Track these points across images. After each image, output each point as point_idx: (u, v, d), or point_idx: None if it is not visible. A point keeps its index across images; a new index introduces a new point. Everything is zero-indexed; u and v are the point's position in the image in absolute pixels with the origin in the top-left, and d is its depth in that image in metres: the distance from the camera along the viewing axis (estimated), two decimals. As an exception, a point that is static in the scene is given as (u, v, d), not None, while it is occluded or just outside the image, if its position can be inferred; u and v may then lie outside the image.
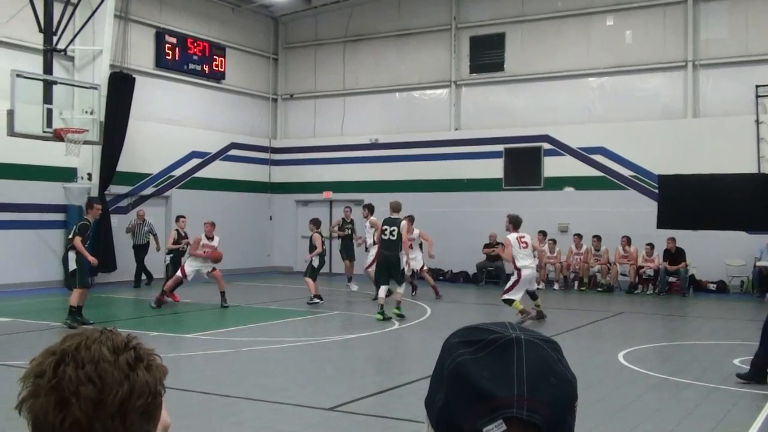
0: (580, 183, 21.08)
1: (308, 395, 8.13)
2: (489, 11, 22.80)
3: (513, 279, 13.67)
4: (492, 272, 21.13)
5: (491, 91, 22.93)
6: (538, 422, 1.08)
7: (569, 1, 21.64)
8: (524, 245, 13.64)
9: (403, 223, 14.36)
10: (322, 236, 16.46)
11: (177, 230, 16.52)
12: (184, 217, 16.70)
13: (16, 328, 12.68)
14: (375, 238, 16.23)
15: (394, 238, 14.00)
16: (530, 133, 21.73)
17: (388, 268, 14.10)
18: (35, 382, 1.22)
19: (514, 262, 13.57)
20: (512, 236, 13.65)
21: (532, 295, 13.89)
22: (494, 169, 22.21)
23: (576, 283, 20.18)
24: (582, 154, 21.12)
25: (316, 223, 16.69)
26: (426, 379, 5.82)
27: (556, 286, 20.09)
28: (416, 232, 17.26)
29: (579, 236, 20.15)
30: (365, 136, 24.34)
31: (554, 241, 20.42)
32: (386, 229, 14.16)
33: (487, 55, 22.86)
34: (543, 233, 20.51)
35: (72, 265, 12.76)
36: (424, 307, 15.77)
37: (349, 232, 19.51)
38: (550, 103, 21.76)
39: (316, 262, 16.28)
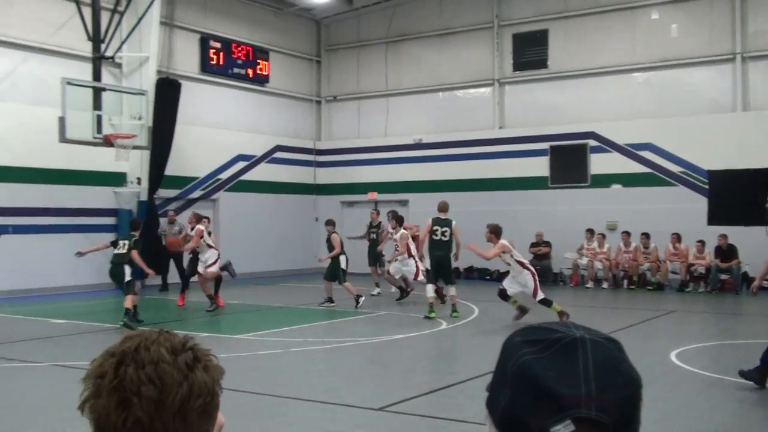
0: (628, 180, 20.79)
1: (357, 395, 8.15)
2: (531, 8, 22.62)
3: (532, 279, 13.29)
4: (539, 271, 20.89)
5: (535, 88, 22.75)
6: (606, 422, 1.06)
7: (613, -4, 21.38)
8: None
9: (454, 223, 14.42)
10: (339, 237, 16.41)
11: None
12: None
13: (71, 330, 12.95)
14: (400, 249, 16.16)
15: (446, 238, 14.18)
16: (576, 130, 21.51)
17: (438, 269, 14.18)
18: (97, 383, 1.25)
19: (524, 264, 13.44)
20: (504, 241, 13.47)
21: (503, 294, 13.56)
22: (540, 167, 22.03)
23: (625, 281, 19.91)
24: (629, 151, 20.83)
25: (332, 224, 16.70)
26: (475, 379, 5.83)
27: (605, 285, 19.84)
28: (402, 233, 16.50)
29: (627, 234, 19.88)
30: (409, 136, 24.34)
31: (603, 236, 20.18)
32: (437, 230, 14.25)
33: (530, 53, 22.69)
34: (590, 231, 20.29)
35: (127, 276, 13.43)
36: (471, 306, 15.70)
37: (375, 236, 19.07)
38: (595, 100, 21.52)
39: (343, 264, 16.07)
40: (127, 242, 13.72)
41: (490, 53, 23.30)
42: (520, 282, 13.27)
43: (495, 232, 13.49)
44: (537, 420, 1.08)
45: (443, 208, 14.53)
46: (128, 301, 13.22)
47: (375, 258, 18.86)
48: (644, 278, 19.80)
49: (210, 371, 1.30)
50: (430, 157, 23.75)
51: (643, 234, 19.63)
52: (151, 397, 1.22)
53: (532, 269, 13.53)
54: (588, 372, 1.08)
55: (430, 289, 14.27)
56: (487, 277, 22.15)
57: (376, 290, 18.25)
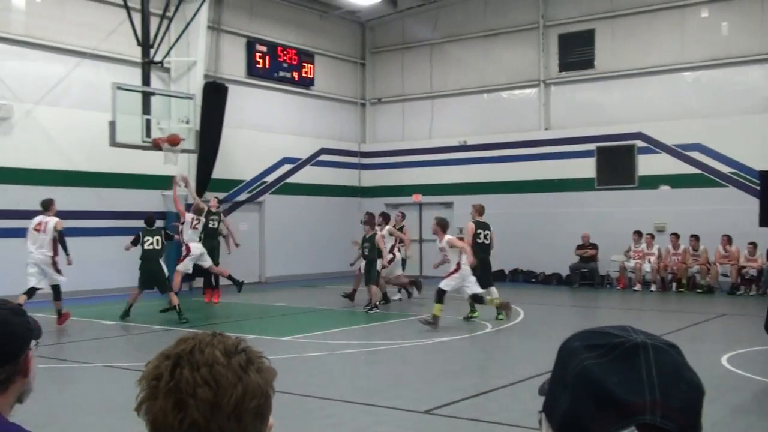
0: (677, 181, 20.47)
1: (403, 398, 8.15)
2: (578, 8, 22.40)
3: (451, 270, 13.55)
4: (586, 274, 20.73)
5: (581, 89, 22.52)
6: (671, 429, 1.05)
7: (662, -6, 21.07)
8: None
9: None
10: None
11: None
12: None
13: (121, 332, 13.17)
14: (388, 247, 16.27)
15: (488, 241, 14.32)
16: (623, 131, 21.24)
17: (485, 271, 14.25)
18: (153, 385, 1.28)
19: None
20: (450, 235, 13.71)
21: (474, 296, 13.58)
22: (586, 168, 21.79)
23: (674, 284, 19.59)
24: (678, 152, 20.50)
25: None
26: (521, 382, 5.80)
27: (653, 288, 19.54)
28: (387, 228, 16.55)
29: (676, 236, 19.56)
30: (454, 138, 24.28)
31: (652, 237, 19.87)
32: (480, 233, 14.32)
33: (576, 53, 22.47)
34: (638, 233, 20.01)
35: (167, 272, 14.19)
36: (517, 309, 15.59)
37: (368, 252, 18.15)
38: (643, 100, 21.22)
39: (378, 265, 15.85)
40: (159, 237, 14.26)
41: (535, 54, 23.13)
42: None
43: (441, 225, 13.59)
44: (600, 426, 1.06)
45: (482, 211, 14.63)
46: (174, 298, 13.93)
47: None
48: (693, 281, 19.46)
49: (263, 373, 1.32)
50: (475, 159, 23.66)
51: (693, 236, 19.29)
52: (207, 399, 1.24)
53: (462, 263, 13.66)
54: (652, 378, 1.07)
55: (494, 291, 14.31)
56: (533, 280, 22.01)
57: (397, 296, 17.69)
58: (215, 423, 1.24)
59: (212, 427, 1.24)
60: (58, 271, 13.18)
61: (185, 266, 15.70)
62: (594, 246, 20.69)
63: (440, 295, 13.06)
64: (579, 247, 20.74)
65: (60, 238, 13.08)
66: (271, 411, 1.34)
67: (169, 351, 1.31)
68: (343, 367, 10.19)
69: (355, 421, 7.29)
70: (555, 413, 1.15)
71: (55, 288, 13.13)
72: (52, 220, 13.14)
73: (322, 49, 24.77)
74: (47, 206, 13.35)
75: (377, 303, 15.60)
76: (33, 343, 2.19)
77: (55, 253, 13.12)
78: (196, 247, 15.78)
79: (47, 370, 9.06)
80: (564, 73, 22.80)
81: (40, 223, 13.16)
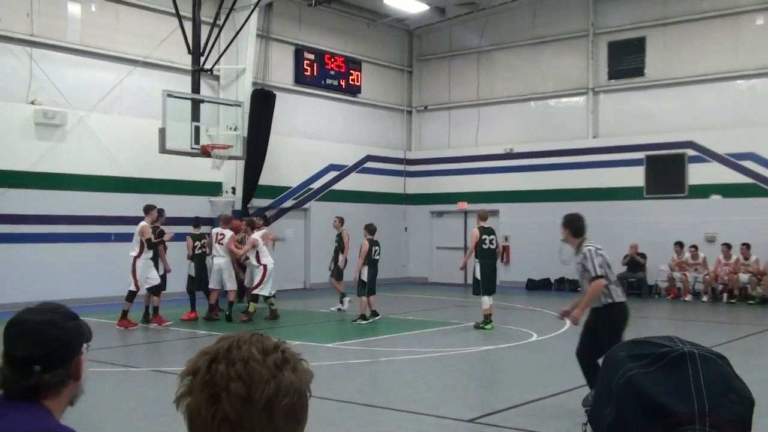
0: (728, 190, 20.06)
1: (448, 406, 8.12)
2: (628, 15, 22.14)
3: (260, 274, 14.92)
4: (634, 284, 20.42)
5: (631, 97, 22.24)
6: None
7: (715, 2, 20.68)
8: (267, 242, 15.30)
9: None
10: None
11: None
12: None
13: (168, 337, 13.35)
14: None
15: (494, 246, 14.41)
16: (673, 140, 20.91)
17: (491, 277, 14.32)
18: (191, 380, 1.31)
19: (258, 258, 14.89)
20: (257, 234, 15.01)
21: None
22: (635, 177, 21.49)
23: (725, 295, 19.20)
24: (730, 161, 20.10)
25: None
26: (567, 392, 5.73)
27: (704, 298, 19.18)
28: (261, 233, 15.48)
29: (728, 246, 19.17)
30: (500, 146, 24.15)
31: (696, 248, 19.53)
32: (485, 239, 14.31)
33: (626, 61, 22.20)
34: (680, 244, 19.68)
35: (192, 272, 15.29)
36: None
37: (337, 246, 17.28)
38: (694, 108, 20.87)
39: (363, 275, 15.03)
40: (205, 241, 15.40)
41: (584, 62, 22.92)
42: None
43: (248, 224, 15.59)
44: None
45: (485, 216, 14.65)
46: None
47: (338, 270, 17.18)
48: (745, 292, 19.05)
49: (298, 373, 1.33)
50: (522, 166, 23.50)
51: (744, 244, 18.88)
52: (239, 393, 1.26)
53: (265, 263, 14.90)
54: (699, 388, 1.05)
55: (486, 301, 14.06)
56: (579, 289, 21.75)
57: (340, 305, 16.92)
58: (247, 418, 1.25)
59: (244, 422, 1.25)
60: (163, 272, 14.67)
61: (262, 290, 15.10)
62: (642, 255, 20.38)
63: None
64: (626, 257, 20.42)
65: (150, 244, 14.01)
66: (307, 415, 1.35)
67: (208, 348, 1.34)
68: (388, 375, 10.19)
69: (400, 428, 7.28)
70: (600, 423, 1.14)
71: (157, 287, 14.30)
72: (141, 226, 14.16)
73: (369, 57, 24.87)
74: (146, 212, 14.34)
75: (364, 314, 15.05)
76: (84, 346, 2.24)
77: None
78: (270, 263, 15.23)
79: (97, 374, 9.22)
80: (613, 81, 22.54)
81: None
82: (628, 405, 1.08)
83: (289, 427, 1.29)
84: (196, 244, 15.26)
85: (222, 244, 15.22)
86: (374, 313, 15.25)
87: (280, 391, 1.28)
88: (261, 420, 1.26)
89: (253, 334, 1.37)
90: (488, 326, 13.95)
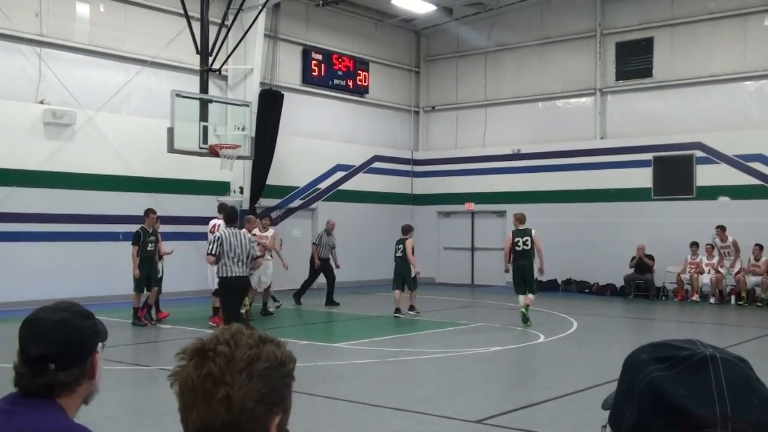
0: (737, 192, 20.00)
1: (455, 407, 8.12)
2: (636, 16, 22.09)
3: (270, 273, 15.63)
4: (641, 285, 20.38)
5: (638, 97, 22.20)
6: None
7: (723, 2, 20.63)
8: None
9: (534, 232, 14.73)
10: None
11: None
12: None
13: (177, 335, 13.38)
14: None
15: (528, 247, 14.58)
16: (681, 141, 20.85)
17: (524, 278, 14.52)
18: (181, 356, 1.46)
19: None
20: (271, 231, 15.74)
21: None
22: (642, 178, 21.45)
23: (733, 297, 19.13)
24: (738, 162, 20.04)
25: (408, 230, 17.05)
26: (575, 394, 5.73)
27: (712, 300, 19.12)
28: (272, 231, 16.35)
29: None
30: (507, 146, 24.13)
31: (712, 247, 19.38)
32: (518, 241, 14.62)
33: (634, 61, 22.16)
34: (695, 244, 19.59)
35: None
36: (570, 320, 15.42)
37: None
38: (702, 109, 20.81)
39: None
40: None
41: (592, 62, 22.88)
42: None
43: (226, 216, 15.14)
44: None
45: (522, 219, 14.88)
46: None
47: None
48: (753, 294, 18.98)
49: (281, 348, 1.47)
50: (529, 167, 23.47)
51: (757, 245, 18.72)
52: (224, 353, 1.40)
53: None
54: (721, 391, 1.05)
55: (521, 299, 14.57)
56: (586, 290, 21.74)
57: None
58: (228, 375, 1.38)
59: (226, 377, 1.38)
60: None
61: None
62: (650, 257, 20.32)
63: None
64: (633, 258, 20.36)
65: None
66: (291, 397, 1.46)
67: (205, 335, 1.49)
68: (395, 375, 10.19)
69: (407, 429, 7.28)
70: (621, 426, 1.14)
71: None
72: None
73: (376, 57, 24.88)
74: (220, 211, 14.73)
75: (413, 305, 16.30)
76: (99, 345, 2.24)
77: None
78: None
79: (106, 372, 9.24)
80: (621, 81, 22.50)
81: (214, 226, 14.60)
82: (649, 407, 1.08)
83: (268, 390, 1.40)
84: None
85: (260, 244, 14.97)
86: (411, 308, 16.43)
87: (261, 356, 1.41)
88: (241, 378, 1.38)
89: (249, 327, 1.52)
90: (526, 323, 14.23)
